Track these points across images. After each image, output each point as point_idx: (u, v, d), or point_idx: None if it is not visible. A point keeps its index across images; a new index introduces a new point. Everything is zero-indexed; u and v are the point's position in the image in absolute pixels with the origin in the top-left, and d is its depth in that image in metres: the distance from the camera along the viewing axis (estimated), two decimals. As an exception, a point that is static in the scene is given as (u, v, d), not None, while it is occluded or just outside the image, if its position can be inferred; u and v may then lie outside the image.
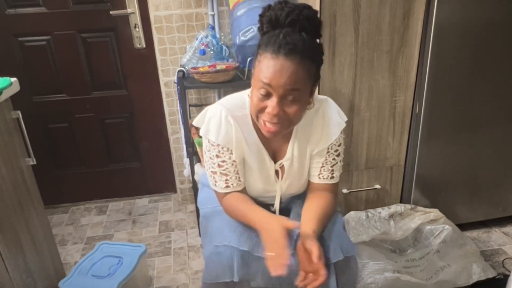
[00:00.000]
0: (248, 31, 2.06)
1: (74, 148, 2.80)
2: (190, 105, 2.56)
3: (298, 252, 1.23)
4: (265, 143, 1.37)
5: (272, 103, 1.16)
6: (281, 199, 1.47)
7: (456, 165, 2.22)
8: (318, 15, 1.20)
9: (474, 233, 2.40)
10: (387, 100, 2.05)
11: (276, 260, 1.14)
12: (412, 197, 2.26)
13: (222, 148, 1.32)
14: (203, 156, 1.47)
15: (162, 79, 2.55)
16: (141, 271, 2.01)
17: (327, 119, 1.36)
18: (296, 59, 1.12)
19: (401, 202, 2.32)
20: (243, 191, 1.41)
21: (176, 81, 2.30)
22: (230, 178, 1.36)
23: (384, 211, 2.13)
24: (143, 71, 2.64)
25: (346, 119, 1.39)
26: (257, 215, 1.29)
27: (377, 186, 2.24)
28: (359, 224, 2.09)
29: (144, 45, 2.57)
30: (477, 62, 2.00)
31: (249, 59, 2.09)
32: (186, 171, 2.55)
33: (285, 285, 1.36)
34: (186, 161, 2.50)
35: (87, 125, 2.75)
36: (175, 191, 2.98)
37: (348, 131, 2.08)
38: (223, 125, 1.31)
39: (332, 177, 1.42)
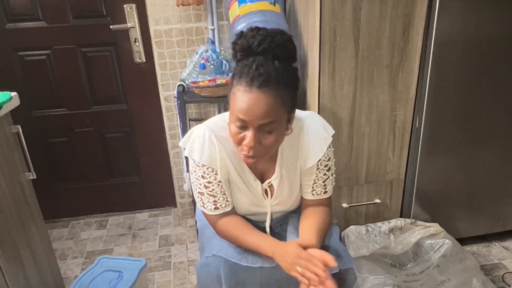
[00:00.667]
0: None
1: (74, 163, 2.80)
2: (190, 120, 2.56)
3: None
4: (251, 164, 1.35)
5: (248, 135, 1.16)
6: (272, 217, 1.47)
7: (456, 180, 2.22)
8: (292, 40, 1.19)
9: (474, 248, 2.39)
10: (387, 115, 2.05)
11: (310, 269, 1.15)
12: (412, 211, 2.25)
13: (207, 168, 1.32)
14: None
15: (162, 94, 2.56)
16: (141, 285, 2.00)
17: (314, 135, 1.35)
18: (270, 90, 1.11)
19: (401, 216, 2.31)
20: (233, 211, 1.40)
21: (176, 96, 2.31)
22: (218, 199, 1.36)
23: (384, 226, 2.13)
24: (143, 86, 2.64)
25: (333, 132, 1.38)
26: (266, 241, 1.29)
27: (377, 201, 2.24)
28: (359, 238, 2.09)
29: (144, 60, 2.58)
30: (477, 77, 2.01)
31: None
32: (186, 186, 2.54)
33: None
34: (186, 175, 2.50)
35: (87, 140, 2.75)
36: (175, 206, 2.97)
37: (348, 145, 2.08)
38: (206, 145, 1.31)
39: (325, 192, 1.42)
